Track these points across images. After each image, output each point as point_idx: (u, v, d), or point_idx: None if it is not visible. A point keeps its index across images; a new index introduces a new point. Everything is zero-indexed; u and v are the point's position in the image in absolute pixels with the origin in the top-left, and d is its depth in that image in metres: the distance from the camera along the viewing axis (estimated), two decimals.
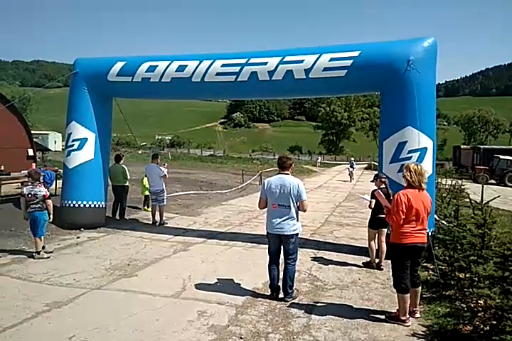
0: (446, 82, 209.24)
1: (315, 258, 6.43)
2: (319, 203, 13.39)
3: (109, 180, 8.91)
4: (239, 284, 5.12)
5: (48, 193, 6.18)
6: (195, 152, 52.48)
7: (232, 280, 5.26)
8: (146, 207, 10.39)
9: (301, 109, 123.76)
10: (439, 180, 12.93)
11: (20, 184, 10.95)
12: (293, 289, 4.68)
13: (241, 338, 3.68)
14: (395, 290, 4.48)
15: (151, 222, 9.00)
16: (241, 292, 4.85)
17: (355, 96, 62.07)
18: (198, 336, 3.70)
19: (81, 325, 3.85)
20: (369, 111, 64.51)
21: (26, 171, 8.94)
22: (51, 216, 6.23)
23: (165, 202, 9.13)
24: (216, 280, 5.23)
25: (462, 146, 37.12)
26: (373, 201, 5.75)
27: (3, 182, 9.52)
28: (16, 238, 7.09)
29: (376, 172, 6.49)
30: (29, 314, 4.06)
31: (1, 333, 3.66)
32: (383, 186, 5.83)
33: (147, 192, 10.23)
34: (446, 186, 12.26)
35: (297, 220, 4.59)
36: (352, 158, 30.20)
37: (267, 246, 4.69)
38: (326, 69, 6.64)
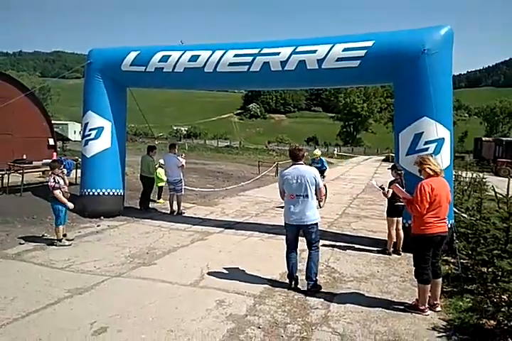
0: (468, 72, 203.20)
1: (332, 250, 6.37)
2: (336, 195, 13.28)
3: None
4: (256, 274, 5.12)
5: (53, 184, 6.00)
6: (211, 143, 52.60)
7: (249, 270, 5.26)
8: (158, 200, 10.37)
9: (318, 99, 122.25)
10: (460, 173, 12.68)
11: (41, 173, 11.19)
12: (316, 278, 4.64)
13: (259, 328, 3.69)
14: (414, 284, 4.43)
15: (169, 212, 9.08)
16: (259, 282, 4.85)
17: (374, 87, 60.95)
18: (217, 325, 3.72)
19: (102, 311, 3.92)
20: (388, 102, 63.22)
21: (48, 160, 9.12)
22: (68, 204, 6.09)
23: (183, 192, 9.20)
24: (234, 270, 5.24)
25: (484, 138, 35.99)
26: (390, 191, 5.80)
27: (25, 170, 9.71)
28: (38, 225, 7.25)
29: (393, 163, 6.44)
30: (51, 300, 4.16)
31: (25, 318, 3.76)
32: (398, 178, 5.95)
33: (161, 184, 10.31)
34: (467, 179, 11.99)
35: (316, 209, 4.60)
36: (317, 151, 11.67)
37: (284, 236, 4.66)
38: (339, 59, 6.54)
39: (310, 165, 10.31)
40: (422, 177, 4.26)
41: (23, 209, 8.14)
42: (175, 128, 73.74)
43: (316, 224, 4.60)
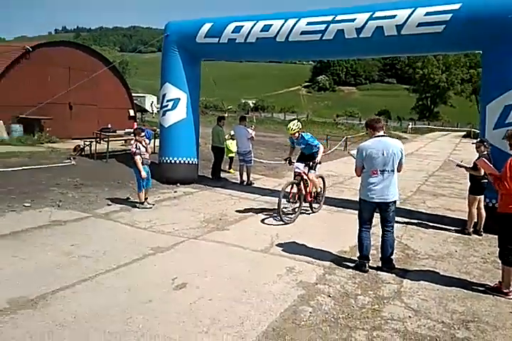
0: None
1: (406, 227, 6.16)
2: (407, 171, 12.62)
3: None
4: (325, 246, 5.13)
5: (135, 149, 6.48)
6: (278, 116, 52.33)
7: (318, 241, 5.29)
8: (229, 170, 10.69)
9: (393, 70, 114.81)
10: None
11: (124, 141, 12.03)
12: (392, 257, 4.47)
13: (329, 296, 3.74)
14: (497, 266, 4.18)
15: (239, 182, 9.36)
16: (328, 253, 4.88)
17: (455, 56, 55.47)
18: (288, 290, 3.84)
19: (181, 269, 4.23)
20: (472, 73, 57.32)
21: (129, 130, 9.75)
22: (142, 173, 6.48)
23: (252, 163, 9.39)
24: (303, 241, 5.30)
25: None
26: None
27: (110, 139, 10.50)
28: (123, 189, 7.88)
29: (476, 140, 5.94)
30: (137, 256, 4.56)
31: (115, 270, 4.18)
32: (485, 153, 5.52)
33: (231, 154, 10.58)
34: None
35: (397, 185, 4.34)
36: (294, 125, 6.44)
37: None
38: (420, 24, 6.05)
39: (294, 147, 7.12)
40: (511, 152, 3.92)
41: (109, 174, 8.89)
42: (243, 101, 74.21)
43: (395, 201, 4.36)
